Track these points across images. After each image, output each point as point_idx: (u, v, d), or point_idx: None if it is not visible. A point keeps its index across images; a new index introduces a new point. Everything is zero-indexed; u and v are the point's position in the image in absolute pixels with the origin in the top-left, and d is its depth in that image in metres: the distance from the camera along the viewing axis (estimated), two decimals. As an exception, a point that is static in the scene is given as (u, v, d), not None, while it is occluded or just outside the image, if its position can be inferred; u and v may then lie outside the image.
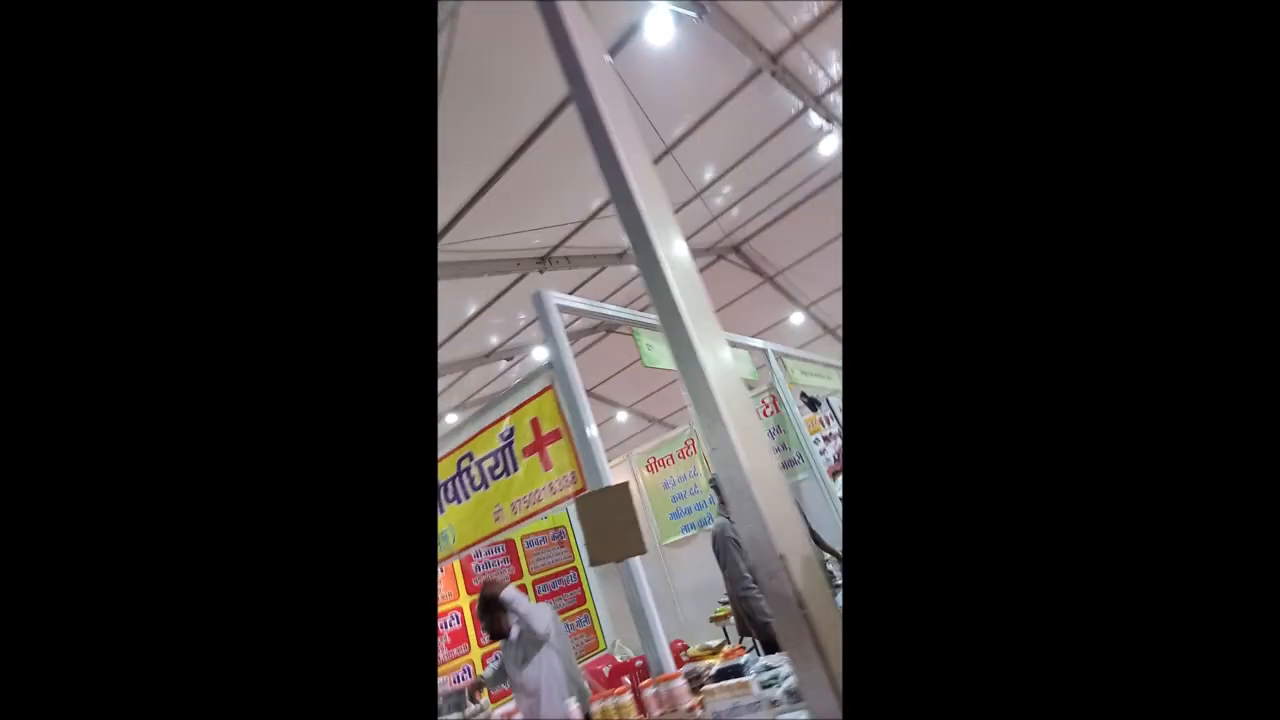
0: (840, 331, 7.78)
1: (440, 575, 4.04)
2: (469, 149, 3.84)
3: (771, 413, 3.86)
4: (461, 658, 3.83)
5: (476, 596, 4.28)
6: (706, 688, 1.63)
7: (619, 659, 3.86)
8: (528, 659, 2.50)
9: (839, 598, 2.14)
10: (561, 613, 4.34)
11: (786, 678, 1.71)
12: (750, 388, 4.02)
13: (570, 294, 6.40)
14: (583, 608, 4.59)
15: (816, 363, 4.43)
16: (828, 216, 6.17)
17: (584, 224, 5.29)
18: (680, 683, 1.64)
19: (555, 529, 4.78)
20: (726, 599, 3.40)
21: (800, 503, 3.51)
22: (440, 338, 5.81)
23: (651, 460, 4.61)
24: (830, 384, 4.40)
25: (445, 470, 2.67)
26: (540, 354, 6.42)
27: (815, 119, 4.76)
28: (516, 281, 5.51)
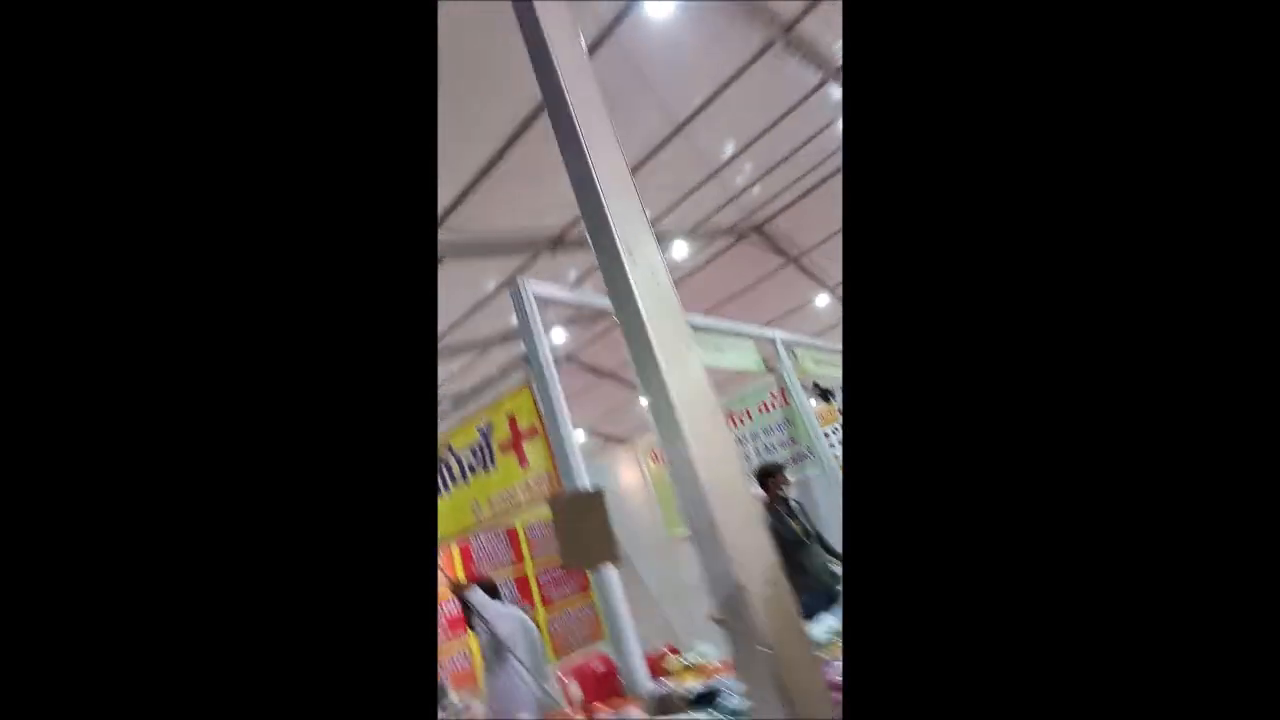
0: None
1: (440, 560, 4.02)
2: (469, 126, 3.72)
3: (779, 405, 3.70)
4: (456, 641, 3.80)
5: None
6: None
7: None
8: (491, 666, 2.43)
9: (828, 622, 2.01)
10: (563, 602, 4.27)
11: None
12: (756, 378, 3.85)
13: (581, 277, 6.29)
14: (586, 597, 4.53)
15: (832, 351, 4.23)
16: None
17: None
18: (635, 713, 1.53)
19: (561, 517, 4.69)
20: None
21: (804, 502, 3.35)
22: (457, 315, 5.76)
23: (656, 451, 4.48)
24: (846, 374, 4.19)
25: (427, 464, 2.60)
26: (559, 336, 6.33)
27: (836, 93, 4.50)
28: (530, 261, 5.40)
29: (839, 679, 1.71)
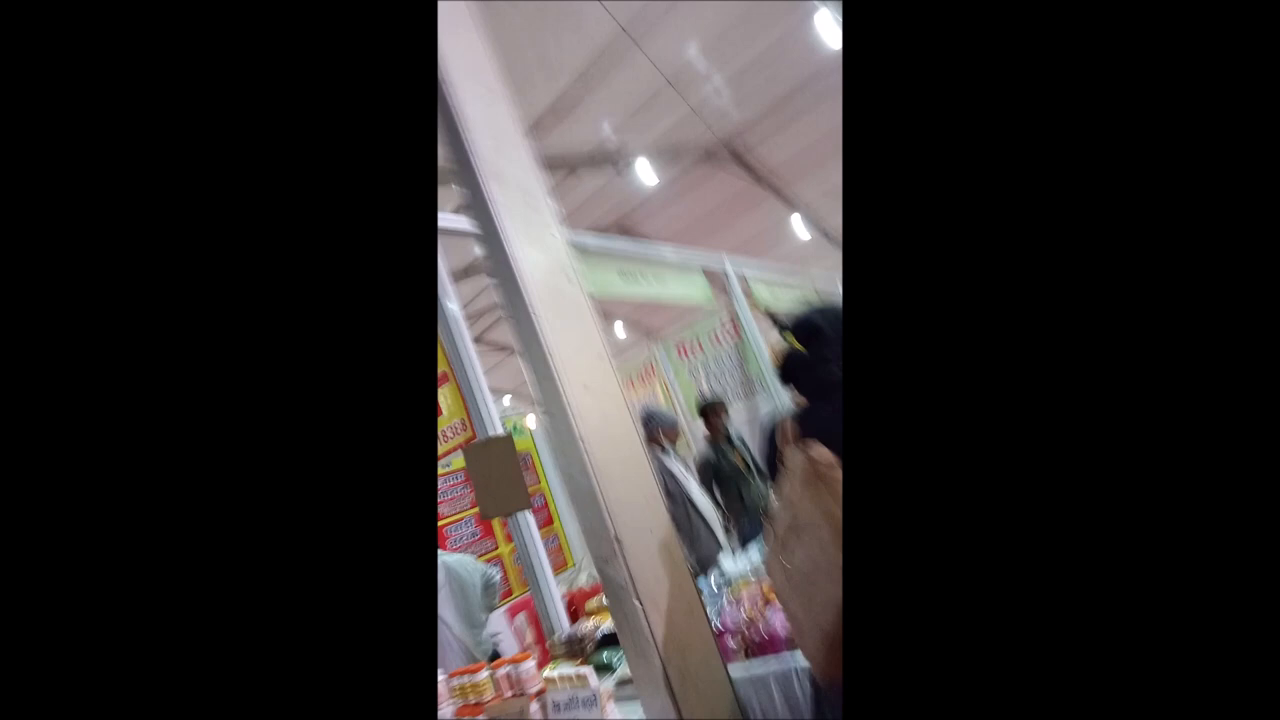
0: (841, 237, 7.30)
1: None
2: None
3: (732, 339, 3.59)
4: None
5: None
6: (547, 675, 1.50)
7: (584, 586, 3.81)
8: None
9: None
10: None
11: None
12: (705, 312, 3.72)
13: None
14: (550, 528, 4.59)
15: (788, 278, 4.07)
16: (830, 108, 5.54)
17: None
18: (529, 665, 1.51)
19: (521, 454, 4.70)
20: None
21: (748, 432, 3.31)
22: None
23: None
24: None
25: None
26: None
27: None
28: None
29: (732, 622, 1.69)
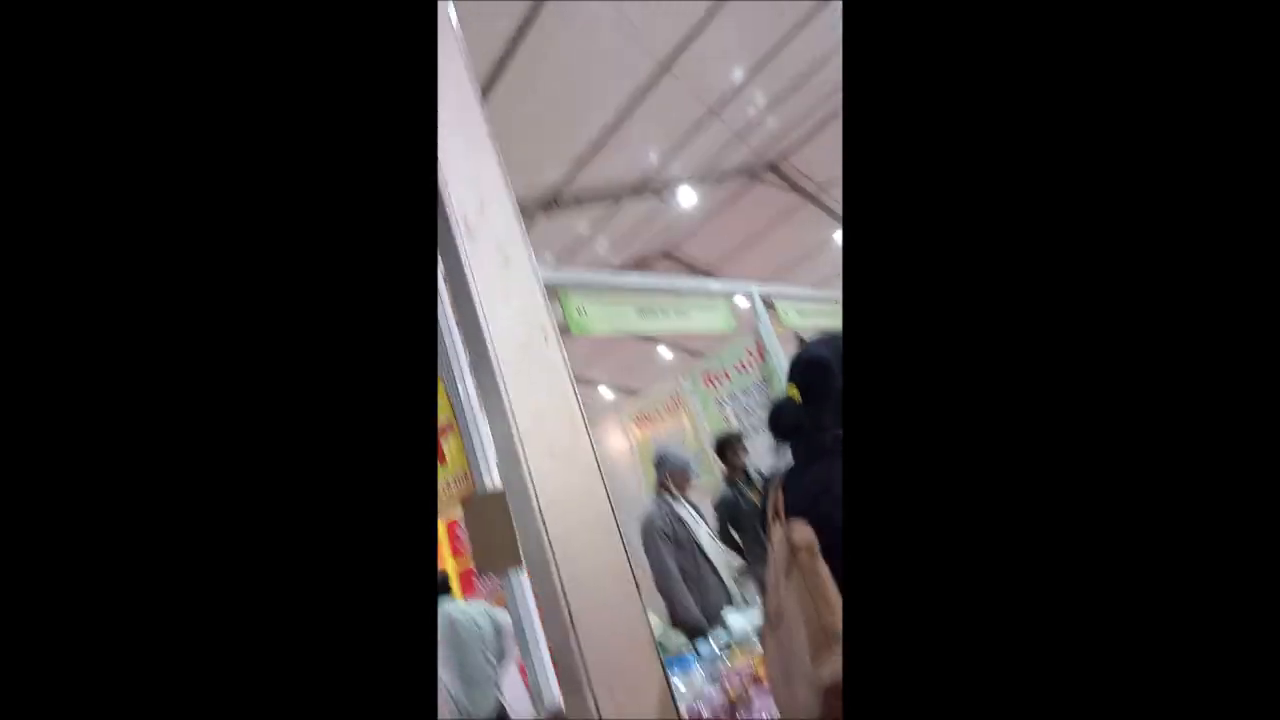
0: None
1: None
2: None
3: (756, 364, 3.51)
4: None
5: (457, 562, 4.33)
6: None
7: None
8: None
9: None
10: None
11: None
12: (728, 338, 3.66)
13: (590, 237, 6.08)
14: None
15: (820, 299, 3.94)
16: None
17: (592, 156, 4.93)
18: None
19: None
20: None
21: (779, 466, 3.18)
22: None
23: (640, 415, 4.38)
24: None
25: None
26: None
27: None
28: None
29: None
